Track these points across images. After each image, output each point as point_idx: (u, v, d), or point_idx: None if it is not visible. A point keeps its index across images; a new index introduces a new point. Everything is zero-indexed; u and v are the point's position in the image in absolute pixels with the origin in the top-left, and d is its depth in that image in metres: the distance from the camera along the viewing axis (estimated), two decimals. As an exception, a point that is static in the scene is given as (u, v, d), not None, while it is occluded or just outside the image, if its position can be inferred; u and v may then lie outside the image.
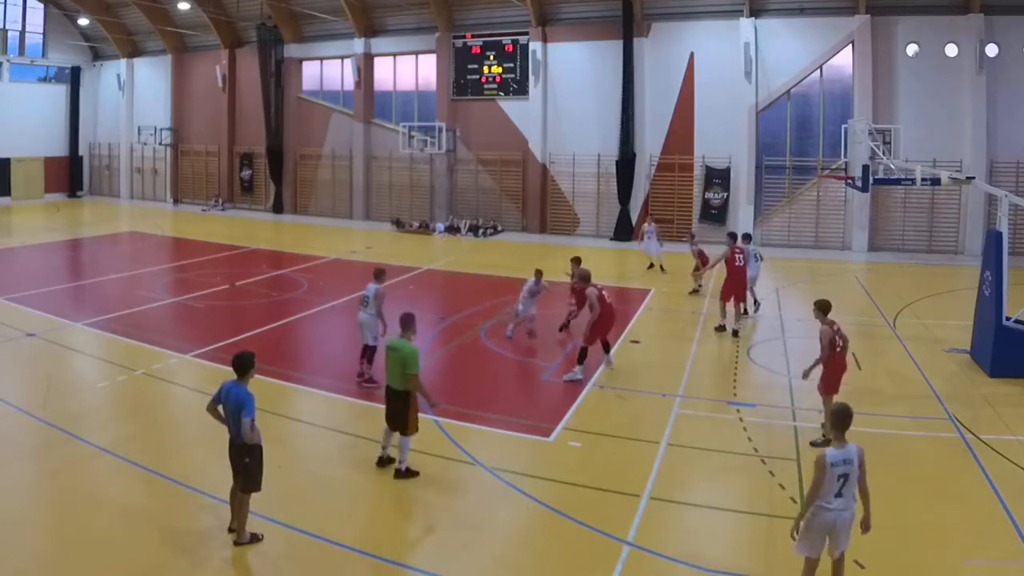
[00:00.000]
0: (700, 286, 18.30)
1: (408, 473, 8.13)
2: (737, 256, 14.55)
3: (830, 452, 5.73)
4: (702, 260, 17.85)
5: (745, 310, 15.08)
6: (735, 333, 14.19)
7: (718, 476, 8.50)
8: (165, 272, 20.93)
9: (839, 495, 5.70)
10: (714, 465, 8.76)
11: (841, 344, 9.24)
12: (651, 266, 21.21)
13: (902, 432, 9.65)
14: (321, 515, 7.35)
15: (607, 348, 12.13)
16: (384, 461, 8.35)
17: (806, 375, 9.39)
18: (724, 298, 14.70)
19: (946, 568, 6.56)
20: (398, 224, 30.42)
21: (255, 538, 6.77)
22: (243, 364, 6.81)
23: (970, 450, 9.00)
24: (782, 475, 8.25)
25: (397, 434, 8.25)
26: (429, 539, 7.20)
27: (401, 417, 8.15)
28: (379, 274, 11.57)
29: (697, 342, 13.94)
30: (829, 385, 9.28)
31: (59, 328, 14.07)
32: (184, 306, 16.46)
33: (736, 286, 14.57)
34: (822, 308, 9.39)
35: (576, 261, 13.93)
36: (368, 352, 11.33)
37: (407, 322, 8.38)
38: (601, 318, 11.60)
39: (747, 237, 15.93)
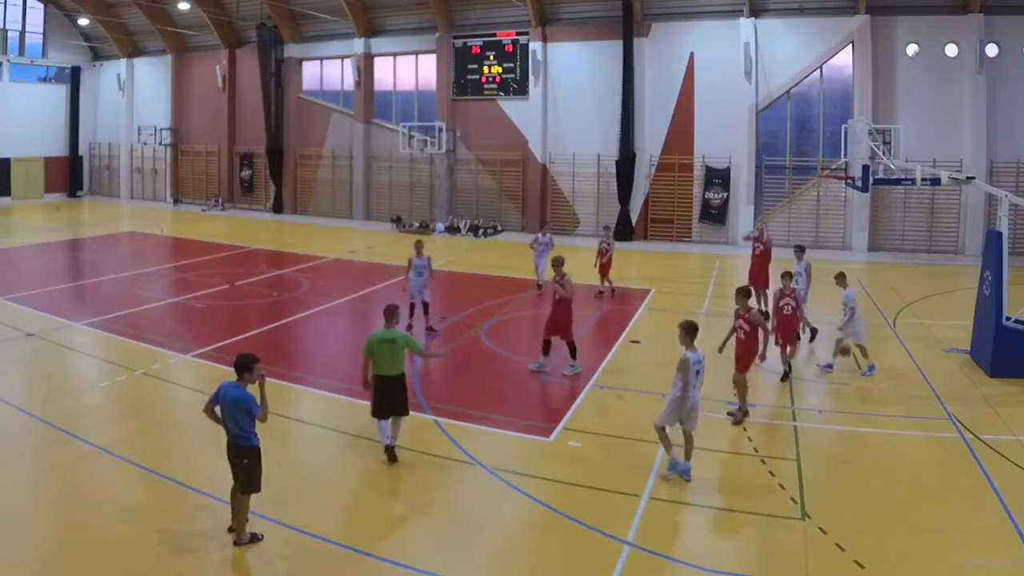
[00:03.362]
0: (605, 290, 17.32)
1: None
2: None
3: (690, 354, 8.13)
4: (606, 257, 17.09)
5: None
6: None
7: (718, 476, 8.49)
8: (165, 272, 20.92)
9: (693, 387, 8.08)
10: (714, 465, 8.75)
11: (793, 305, 11.55)
12: (540, 287, 17.67)
13: (902, 432, 9.65)
14: (321, 515, 7.35)
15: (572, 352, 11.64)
16: (391, 451, 8.45)
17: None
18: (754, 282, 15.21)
19: (946, 568, 6.55)
20: (398, 222, 30.42)
21: (255, 538, 6.77)
22: (241, 365, 6.78)
23: (970, 450, 9.00)
24: (782, 475, 8.25)
25: (392, 419, 8.47)
26: (429, 539, 7.18)
27: (402, 399, 8.50)
28: (418, 245, 14.62)
29: (697, 342, 13.90)
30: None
31: (59, 328, 14.06)
32: (184, 306, 16.45)
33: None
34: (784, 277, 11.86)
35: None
36: (423, 308, 14.26)
37: (391, 313, 8.65)
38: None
39: (799, 249, 14.26)
